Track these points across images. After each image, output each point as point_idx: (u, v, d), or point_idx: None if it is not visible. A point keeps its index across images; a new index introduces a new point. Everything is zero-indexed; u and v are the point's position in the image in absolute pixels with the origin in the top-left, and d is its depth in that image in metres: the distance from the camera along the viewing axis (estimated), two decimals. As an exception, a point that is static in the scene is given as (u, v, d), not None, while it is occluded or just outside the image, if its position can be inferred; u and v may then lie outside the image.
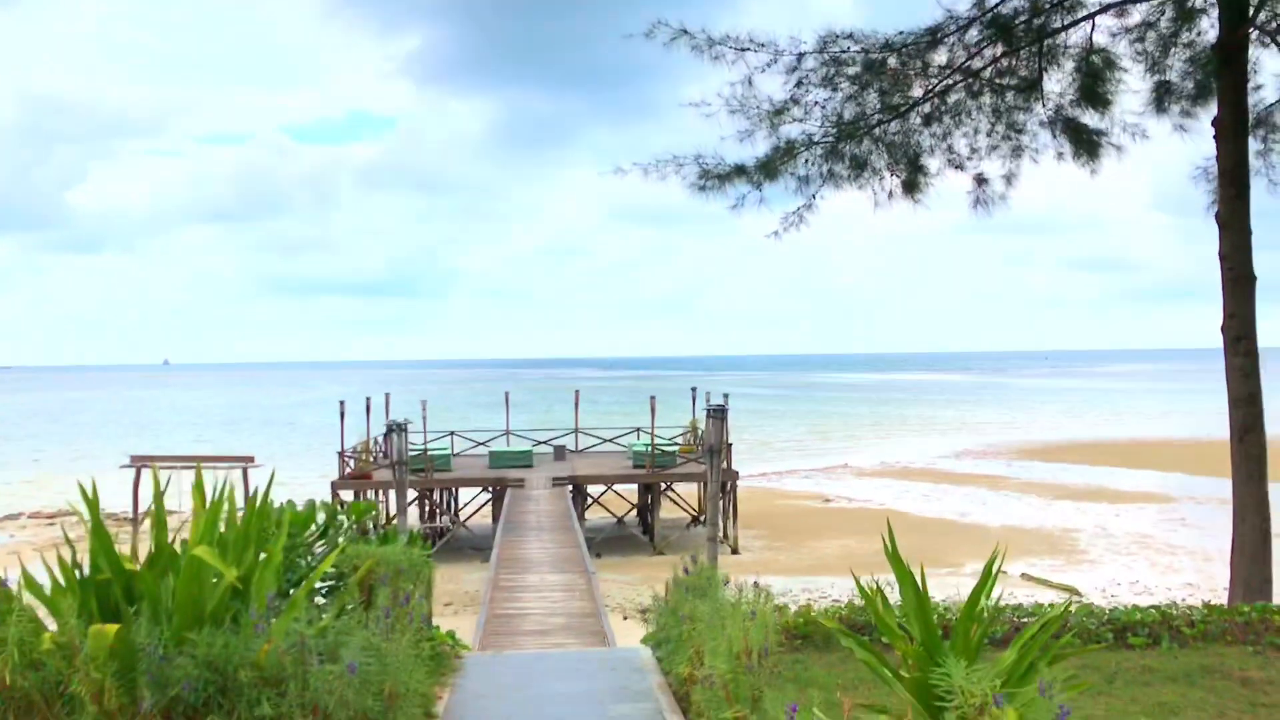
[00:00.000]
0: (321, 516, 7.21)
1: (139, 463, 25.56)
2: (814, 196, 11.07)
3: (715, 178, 10.08)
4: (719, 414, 8.75)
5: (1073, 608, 10.46)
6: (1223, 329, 10.91)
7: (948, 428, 73.25)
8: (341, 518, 7.22)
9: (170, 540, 5.39)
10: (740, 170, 10.09)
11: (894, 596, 5.44)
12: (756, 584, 6.49)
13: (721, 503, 29.53)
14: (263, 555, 5.62)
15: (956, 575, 25.40)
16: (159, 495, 5.48)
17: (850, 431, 70.83)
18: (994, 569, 5.18)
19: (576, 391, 37.38)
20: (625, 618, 20.35)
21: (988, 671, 5.14)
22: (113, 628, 4.64)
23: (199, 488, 5.67)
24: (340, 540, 7.20)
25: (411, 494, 30.17)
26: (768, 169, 10.12)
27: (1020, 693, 4.88)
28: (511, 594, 14.35)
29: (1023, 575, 24.77)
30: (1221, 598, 11.17)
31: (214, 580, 5.13)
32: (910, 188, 11.13)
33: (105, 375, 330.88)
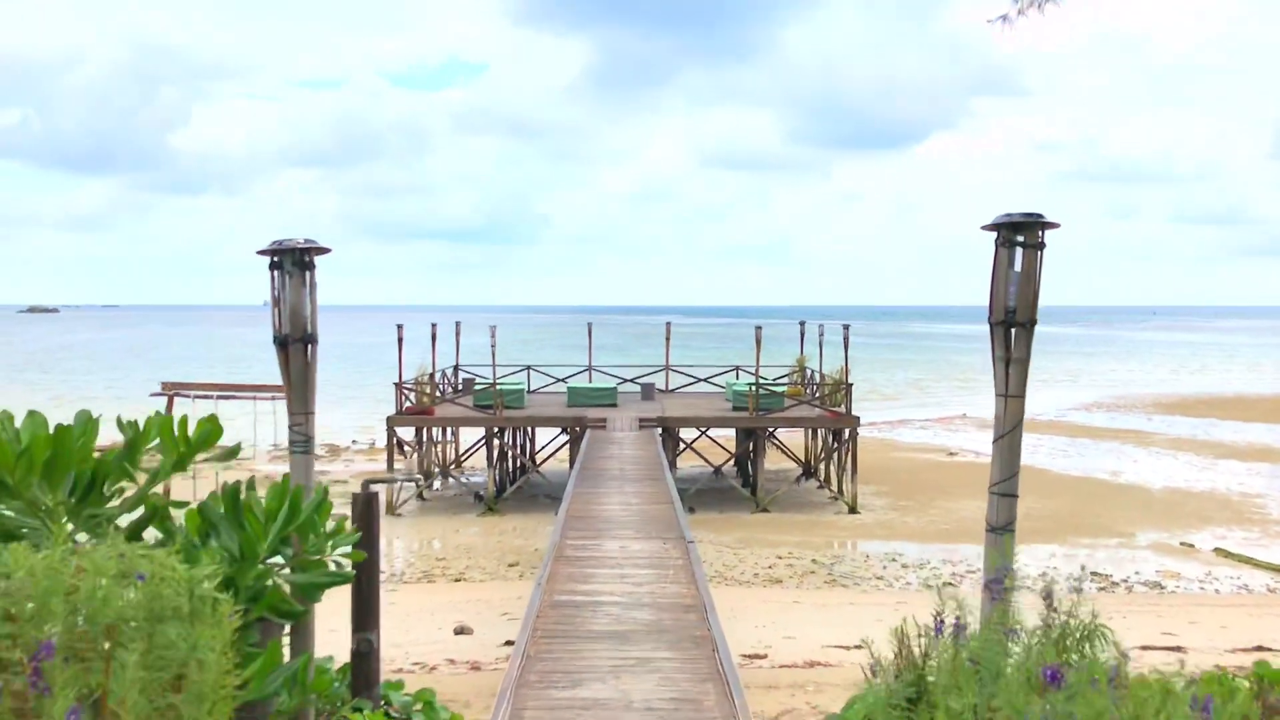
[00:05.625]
0: (109, 438, 3.27)
1: (170, 390, 22.95)
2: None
3: None
4: (1037, 244, 4.53)
5: None
6: None
7: (1067, 379, 67.48)
8: (156, 449, 3.28)
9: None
10: None
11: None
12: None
13: (838, 454, 25.28)
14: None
15: (1130, 548, 20.78)
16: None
17: (963, 380, 65.54)
18: None
19: (668, 323, 33.26)
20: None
21: None
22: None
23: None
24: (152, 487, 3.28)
25: (479, 433, 26.60)
26: None
27: None
28: (580, 568, 10.45)
29: (1216, 551, 20.10)
30: None
31: None
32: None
33: (203, 314, 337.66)
